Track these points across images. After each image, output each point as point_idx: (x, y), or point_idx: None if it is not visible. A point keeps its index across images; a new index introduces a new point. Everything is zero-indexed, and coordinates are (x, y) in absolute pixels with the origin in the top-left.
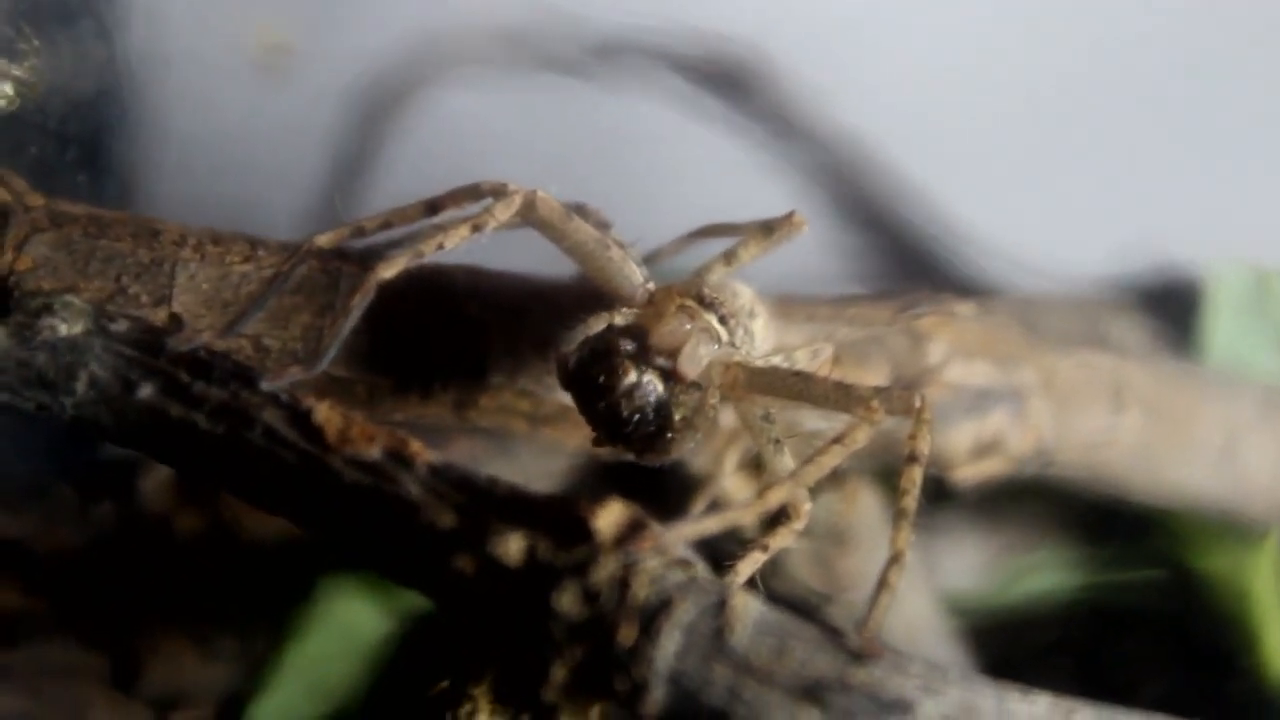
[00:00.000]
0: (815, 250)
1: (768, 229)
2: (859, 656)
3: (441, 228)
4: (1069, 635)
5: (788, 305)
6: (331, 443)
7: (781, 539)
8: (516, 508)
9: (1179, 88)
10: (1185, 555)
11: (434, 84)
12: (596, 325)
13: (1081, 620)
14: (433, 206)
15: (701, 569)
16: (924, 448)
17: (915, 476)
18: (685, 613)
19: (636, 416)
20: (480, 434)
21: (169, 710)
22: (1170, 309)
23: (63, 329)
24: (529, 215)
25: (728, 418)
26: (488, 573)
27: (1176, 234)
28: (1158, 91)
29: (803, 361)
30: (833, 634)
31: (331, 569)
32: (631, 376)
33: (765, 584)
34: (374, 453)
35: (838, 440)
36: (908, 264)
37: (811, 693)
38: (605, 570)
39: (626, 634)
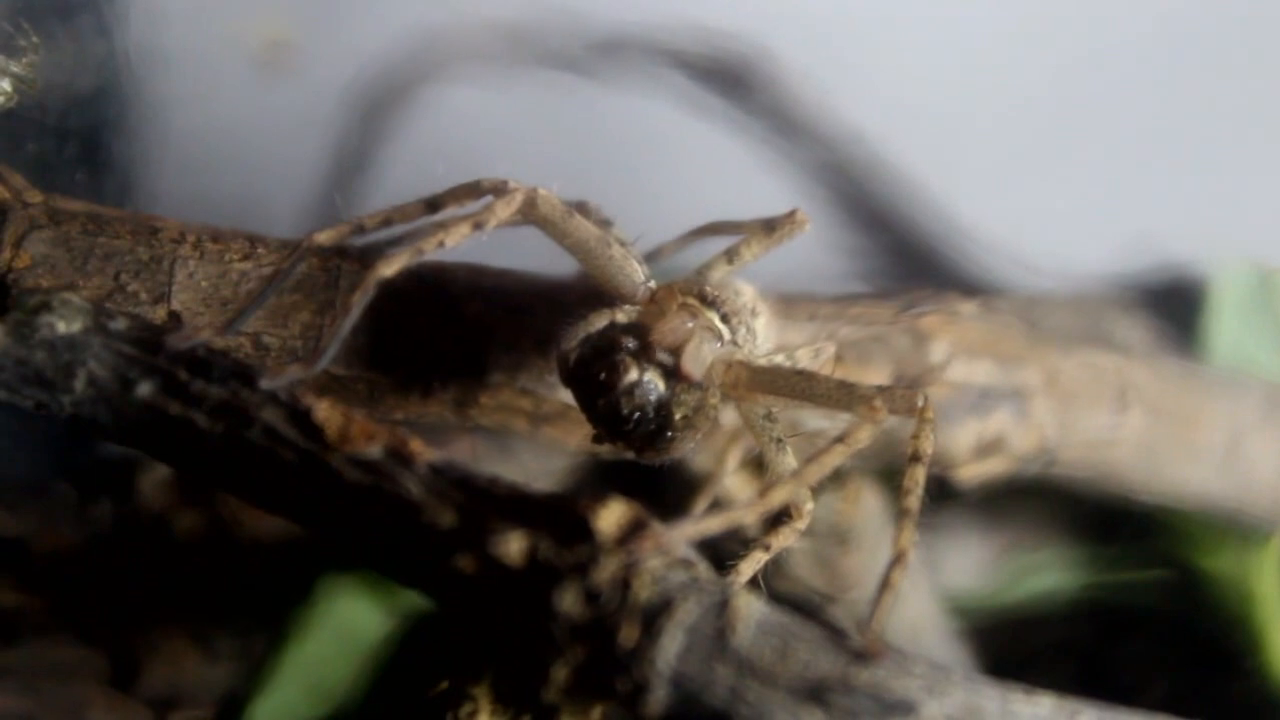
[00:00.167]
0: (817, 248)
1: (770, 227)
2: (862, 657)
3: (442, 225)
4: (1072, 635)
5: (790, 304)
6: (331, 441)
7: (784, 539)
8: (517, 507)
9: (1183, 85)
10: (1189, 555)
11: (435, 80)
12: (598, 323)
13: (1084, 620)
14: (433, 204)
15: (703, 569)
16: (927, 447)
17: (918, 476)
18: (687, 613)
19: (638, 415)
20: (481, 433)
21: (168, 710)
22: (1174, 307)
23: (61, 327)
24: (530, 213)
25: (729, 417)
26: (488, 572)
27: (1180, 232)
28: (1161, 88)
29: (805, 360)
30: (836, 634)
31: (331, 568)
32: (633, 374)
33: (767, 584)
34: (374, 451)
35: (840, 440)
36: (910, 262)
37: (814, 693)
38: (606, 570)
39: (628, 634)
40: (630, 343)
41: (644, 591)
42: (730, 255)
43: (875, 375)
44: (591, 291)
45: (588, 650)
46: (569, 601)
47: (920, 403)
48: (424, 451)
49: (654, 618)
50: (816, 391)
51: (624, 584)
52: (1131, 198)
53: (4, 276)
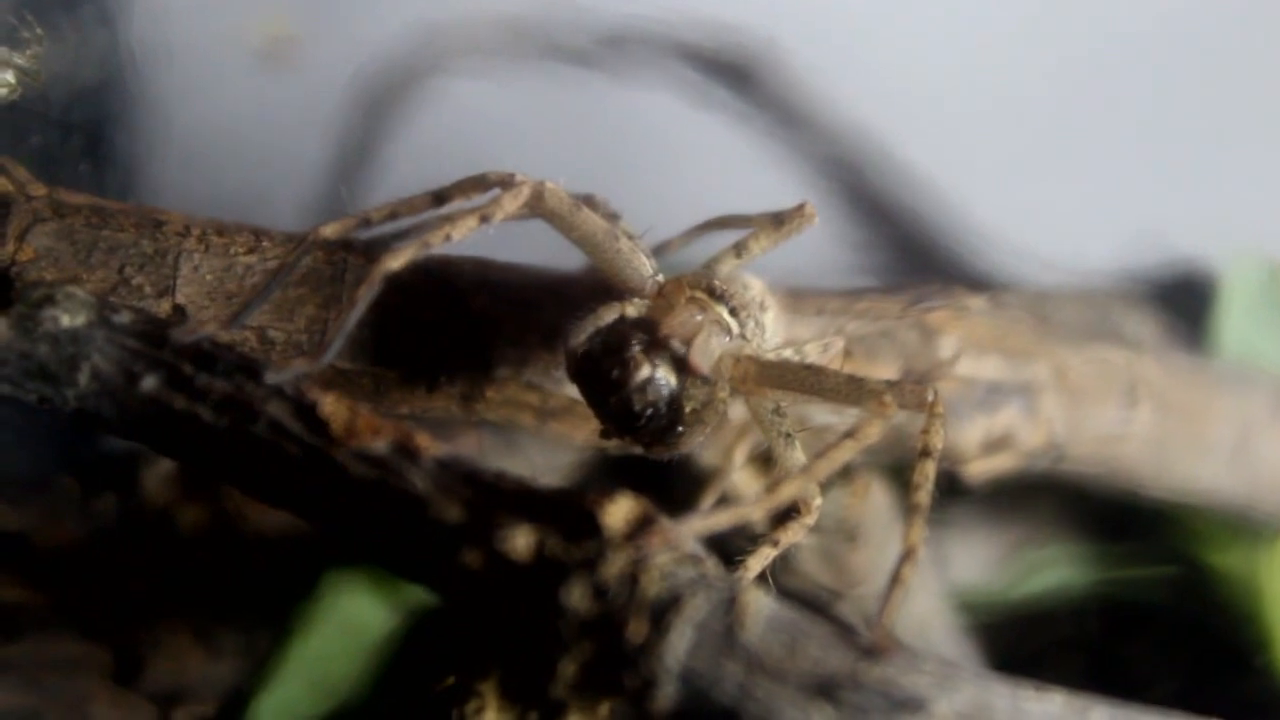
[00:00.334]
0: (825, 242)
1: (778, 220)
2: (872, 653)
3: (449, 219)
4: (1081, 632)
5: (798, 298)
6: (337, 436)
7: (792, 534)
8: (524, 502)
9: (1192, 80)
10: (1198, 552)
11: (440, 73)
12: (606, 317)
13: (1093, 617)
14: (440, 197)
15: (711, 565)
16: (937, 442)
17: (928, 471)
18: (696, 609)
19: (646, 410)
20: (487, 428)
21: (171, 705)
22: (1183, 302)
23: (65, 320)
24: (537, 206)
25: (736, 412)
26: (495, 567)
27: (1190, 226)
28: (1171, 83)
29: (813, 355)
30: (845, 631)
31: (336, 563)
32: (642, 369)
33: (775, 580)
34: (380, 446)
35: (849, 435)
36: (918, 257)
37: (824, 690)
38: (614, 566)
39: (636, 630)
40: (638, 337)
41: (652, 587)
42: (739, 249)
43: (883, 370)
44: (599, 285)
45: (595, 646)
46: (576, 597)
47: (930, 398)
48: (430, 446)
49: (662, 614)
50: (825, 386)
51: (632, 580)
52: (1141, 192)
53: (7, 269)
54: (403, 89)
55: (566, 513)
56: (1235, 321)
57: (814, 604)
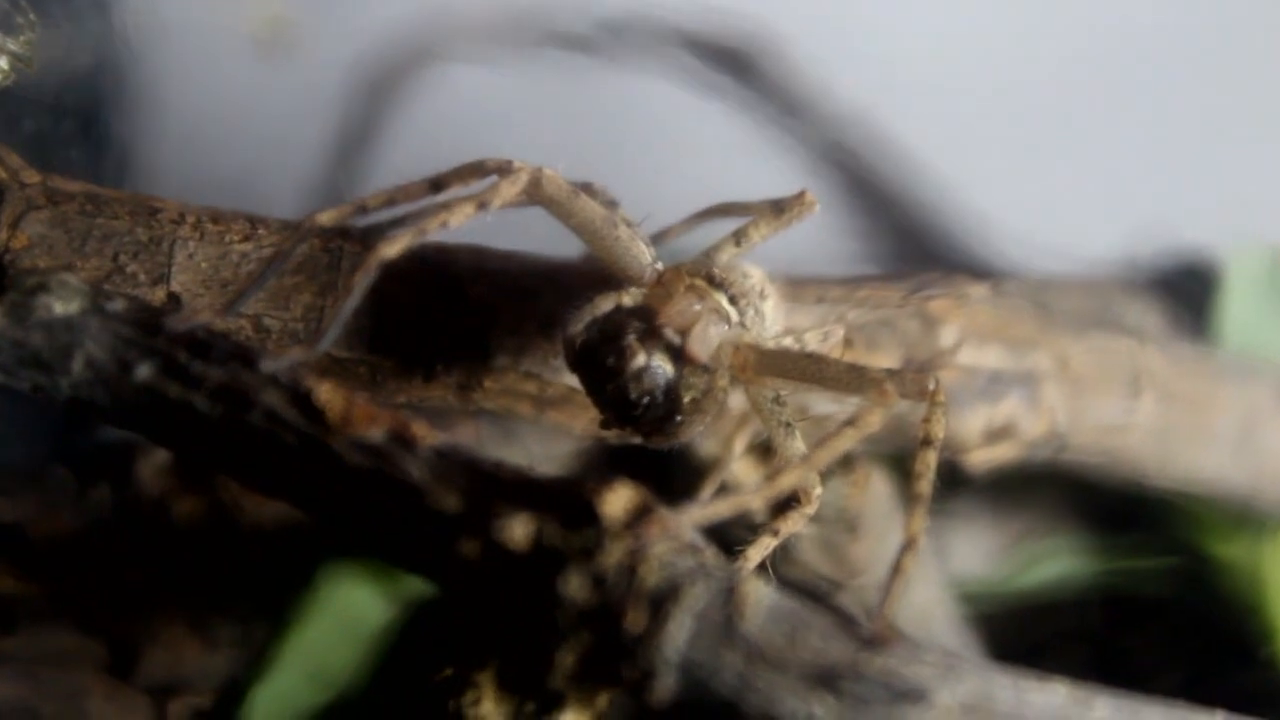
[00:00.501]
0: (825, 230)
1: (778, 208)
2: (873, 644)
3: (446, 206)
4: (1083, 623)
5: (798, 286)
6: (333, 425)
7: (792, 524)
8: (522, 491)
9: (1196, 68)
10: (1201, 543)
11: (438, 59)
12: (604, 306)
13: (1095, 608)
14: (437, 184)
15: (711, 555)
16: (938, 431)
17: (930, 461)
18: (695, 599)
19: (645, 399)
20: (484, 417)
21: (167, 697)
22: (1186, 292)
23: (59, 308)
24: (535, 193)
25: (735, 401)
26: (493, 557)
27: (1192, 216)
28: (1174, 71)
29: (813, 344)
30: (846, 621)
31: (333, 554)
32: (640, 358)
33: (775, 569)
34: (377, 435)
35: (850, 424)
36: (919, 245)
37: (825, 680)
38: (613, 555)
39: (635, 620)
40: (637, 326)
41: (651, 577)
42: (738, 237)
43: (884, 359)
44: (597, 273)
45: (594, 636)
46: (575, 587)
47: (931, 386)
48: (427, 435)
49: (661, 603)
50: (826, 375)
51: (630, 569)
52: (1144, 180)
53: (1, 257)
54: (400, 74)
55: (564, 502)
56: (1238, 311)
57: (814, 594)
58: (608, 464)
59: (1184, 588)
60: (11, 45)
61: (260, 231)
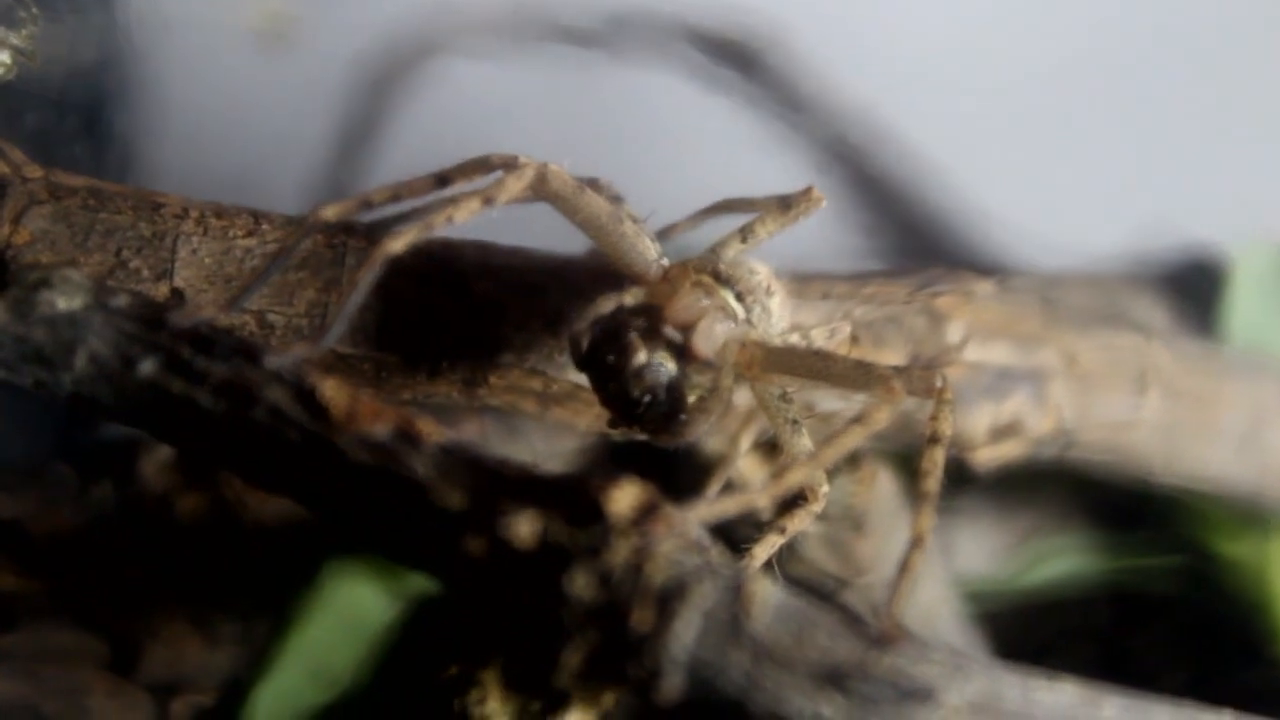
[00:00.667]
0: (831, 226)
1: (785, 204)
2: (881, 642)
3: (451, 201)
4: (1089, 621)
5: (804, 283)
6: (337, 421)
7: (799, 521)
8: (528, 488)
9: (1203, 63)
10: (1208, 541)
11: (443, 54)
12: (609, 304)
13: (1102, 606)
14: (442, 179)
15: (716, 553)
16: (946, 429)
17: (937, 458)
18: (703, 597)
19: (648, 396)
20: (490, 413)
21: (169, 695)
22: (1193, 288)
23: (61, 303)
24: (541, 188)
25: (741, 398)
26: (498, 555)
27: (1199, 212)
28: (1182, 67)
29: (819, 341)
30: (853, 620)
31: (336, 551)
32: (641, 355)
33: (781, 567)
34: (381, 432)
35: (858, 421)
36: (926, 241)
37: (833, 679)
38: (619, 553)
39: (641, 618)
40: (642, 323)
41: (658, 575)
42: (744, 233)
43: (891, 356)
44: (603, 270)
45: (600, 635)
46: (580, 585)
47: (939, 384)
48: (432, 432)
49: (668, 602)
50: (833, 372)
51: (637, 567)
52: (1150, 176)
53: (3, 252)
54: (405, 69)
55: (570, 499)
56: (1245, 307)
57: (820, 592)
58: (613, 461)
59: (1190, 586)
60: (14, 39)
61: (264, 227)
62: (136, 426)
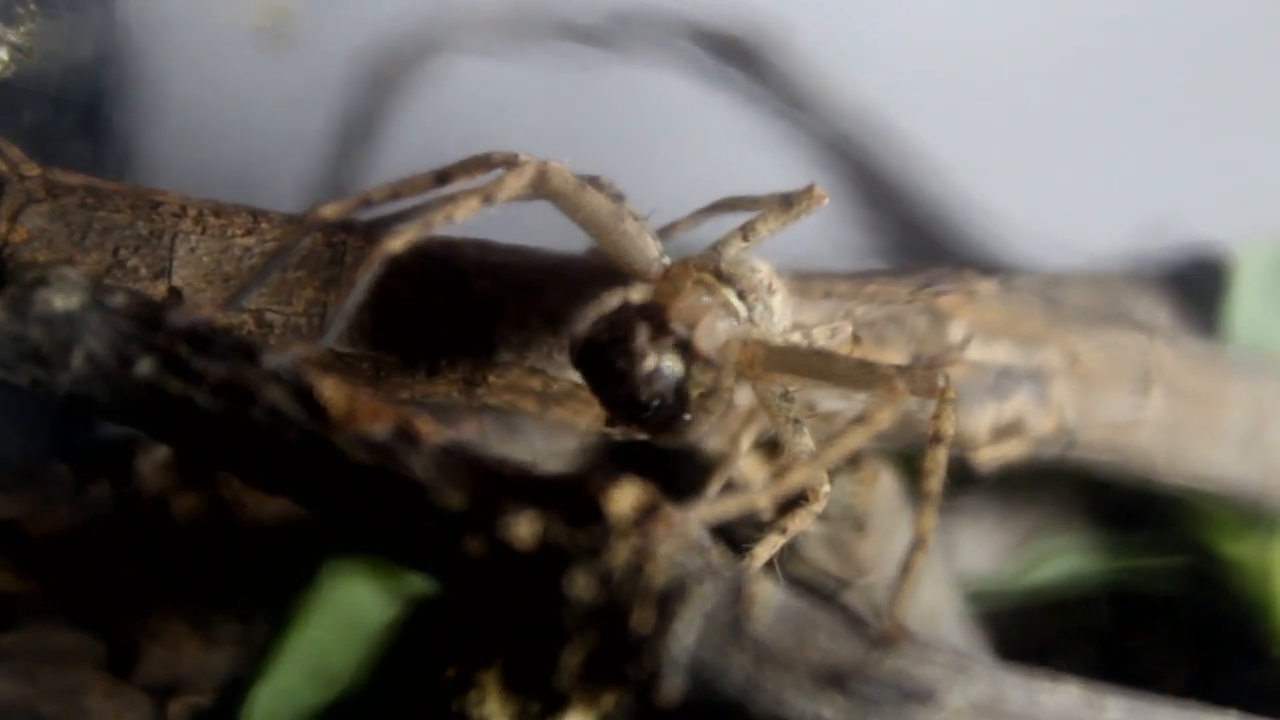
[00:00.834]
0: (833, 225)
1: (787, 202)
2: (883, 644)
3: (451, 199)
4: (1091, 621)
5: (805, 281)
6: (336, 421)
7: (800, 521)
8: (527, 488)
9: (1206, 61)
10: (1210, 541)
11: (444, 51)
12: (610, 303)
13: (1104, 606)
14: (442, 177)
15: (718, 553)
16: (948, 428)
17: (939, 458)
18: (703, 599)
19: (652, 397)
20: (489, 413)
21: (167, 696)
22: (1196, 287)
23: (58, 302)
24: (541, 186)
25: (741, 397)
26: (497, 555)
27: (1202, 210)
28: (1184, 65)
29: (821, 340)
30: (855, 621)
31: (335, 551)
32: (650, 360)
33: (782, 567)
34: (380, 432)
35: (860, 420)
36: (928, 240)
37: (834, 681)
38: (620, 554)
39: (642, 619)
40: (643, 322)
41: (659, 576)
42: (746, 231)
43: (893, 356)
44: (603, 268)
45: (600, 636)
46: (580, 586)
47: (941, 383)
48: (431, 432)
49: (669, 603)
50: (835, 371)
51: (637, 568)
52: (1153, 174)
53: (0, 251)
54: (405, 66)
55: (570, 499)
56: (1248, 306)
57: (821, 592)
58: (613, 460)
59: (1193, 586)
60: (12, 36)
61: (263, 225)
62: (134, 426)
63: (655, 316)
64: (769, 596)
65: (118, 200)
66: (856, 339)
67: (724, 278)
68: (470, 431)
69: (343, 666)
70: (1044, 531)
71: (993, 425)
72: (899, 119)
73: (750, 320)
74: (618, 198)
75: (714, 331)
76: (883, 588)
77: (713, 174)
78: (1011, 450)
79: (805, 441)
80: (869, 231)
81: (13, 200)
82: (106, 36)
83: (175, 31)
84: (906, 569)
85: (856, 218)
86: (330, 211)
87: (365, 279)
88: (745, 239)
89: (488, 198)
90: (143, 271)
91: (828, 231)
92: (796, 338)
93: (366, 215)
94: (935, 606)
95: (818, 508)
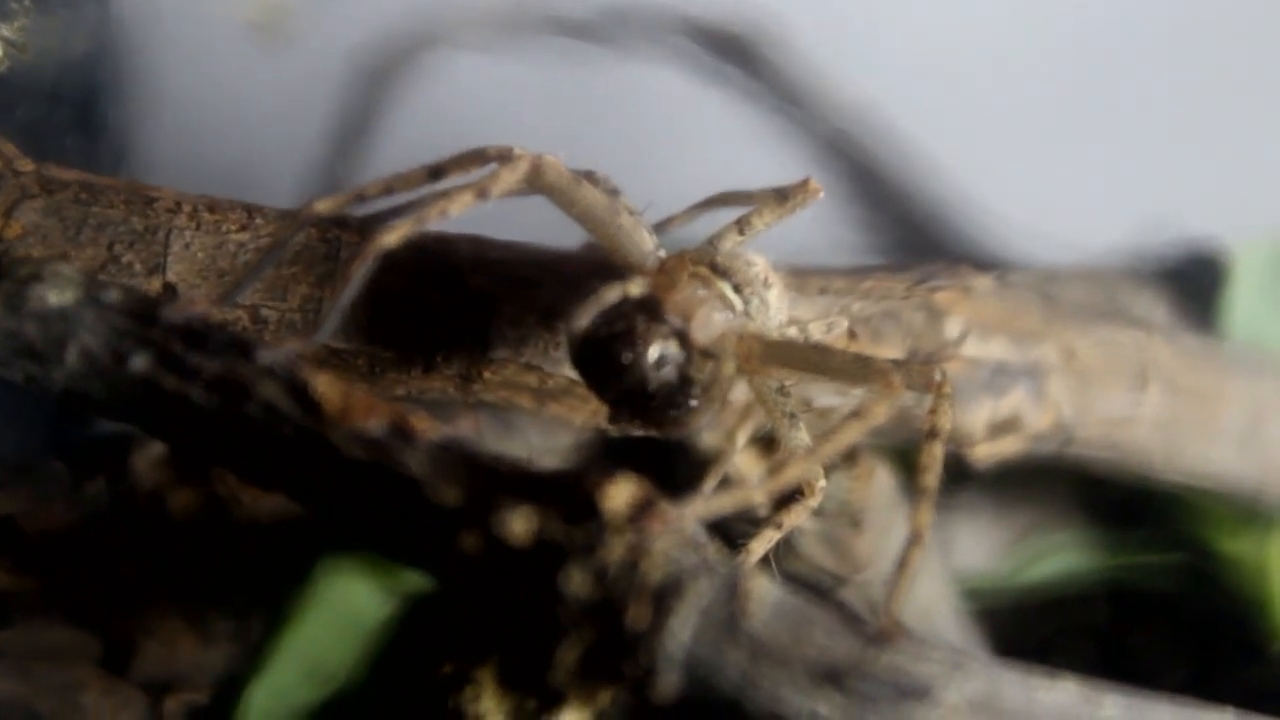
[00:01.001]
0: (829, 220)
1: (782, 196)
2: (879, 640)
3: (445, 194)
4: (1088, 618)
5: (801, 277)
6: (331, 417)
7: (795, 517)
8: (523, 485)
9: (1203, 57)
10: (1208, 538)
11: (438, 46)
12: (607, 298)
13: (1101, 603)
14: (436, 172)
15: (713, 549)
16: (945, 423)
17: (936, 453)
18: (699, 595)
19: (649, 389)
20: (484, 409)
21: (163, 693)
22: (1193, 283)
23: (53, 298)
24: (536, 181)
25: (737, 393)
26: (493, 552)
27: (1200, 206)
28: (1182, 61)
29: (817, 335)
30: (851, 617)
31: (331, 548)
32: (655, 348)
33: (778, 563)
34: (375, 428)
35: (856, 415)
36: (925, 235)
37: (830, 678)
38: (615, 550)
39: (638, 616)
40: (640, 316)
41: (654, 572)
42: (741, 225)
43: (889, 351)
44: (599, 263)
45: (595, 633)
46: (576, 582)
47: (938, 378)
48: (427, 428)
49: (664, 599)
50: (831, 365)
51: (633, 565)
52: (1151, 170)
53: None
54: (401, 62)
55: (566, 496)
56: (1246, 303)
57: (817, 589)
58: (608, 456)
59: (1191, 583)
60: (6, 31)
61: (257, 221)
62: (129, 422)
63: (652, 309)
64: (765, 593)
65: (112, 196)
66: (852, 334)
67: (720, 271)
68: (466, 428)
69: (339, 663)
70: (1041, 528)
71: (989, 421)
72: (896, 116)
73: (746, 314)
74: (613, 192)
75: (710, 324)
76: (879, 584)
77: (709, 170)
78: (1008, 446)
79: (801, 437)
80: (866, 227)
81: (7, 196)
82: (101, 32)
83: (170, 27)
84: (903, 565)
85: (853, 214)
86: (325, 207)
87: (360, 274)
88: (741, 233)
89: (482, 193)
90: (137, 267)
91: (825, 227)
92: (793, 332)
93: (361, 211)
94: (932, 603)
95: (814, 503)
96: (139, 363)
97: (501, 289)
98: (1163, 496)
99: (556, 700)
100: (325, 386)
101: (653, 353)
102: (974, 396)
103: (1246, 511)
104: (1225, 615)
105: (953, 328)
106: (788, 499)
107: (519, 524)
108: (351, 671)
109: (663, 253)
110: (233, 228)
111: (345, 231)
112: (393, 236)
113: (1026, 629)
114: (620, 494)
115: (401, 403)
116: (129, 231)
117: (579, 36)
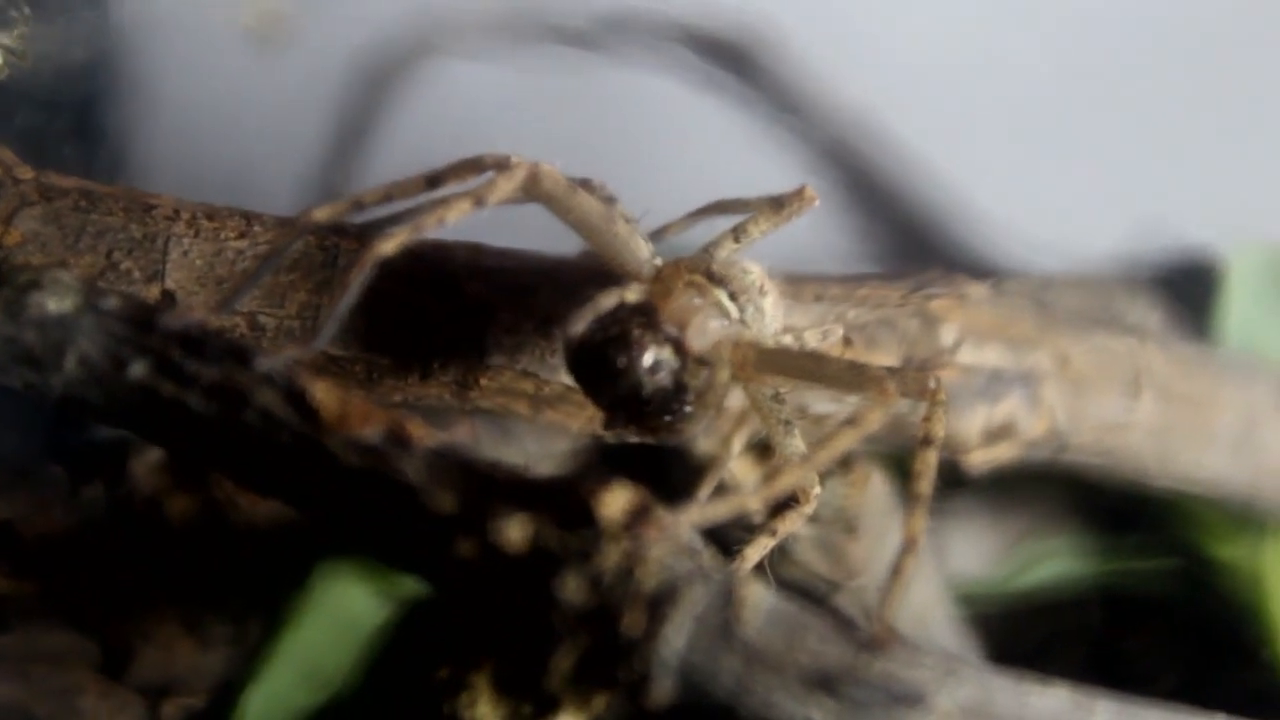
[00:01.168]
0: (825, 228)
1: (778, 204)
2: (872, 646)
3: (442, 202)
4: (1082, 624)
5: (797, 284)
6: (328, 424)
7: (791, 523)
8: (519, 492)
9: (1197, 64)
10: (1201, 544)
11: (436, 54)
12: (603, 305)
13: (1095, 609)
14: (433, 180)
15: (708, 556)
16: (939, 430)
17: (930, 460)
18: (694, 602)
19: (644, 395)
20: (481, 416)
21: (161, 697)
22: (1187, 290)
23: (52, 305)
24: (532, 189)
25: (732, 400)
26: (489, 558)
27: (1194, 213)
28: (1176, 68)
29: (812, 343)
30: (845, 624)
31: (328, 553)
32: (638, 354)
33: (773, 570)
34: (372, 434)
35: (851, 422)
36: (920, 243)
37: (824, 684)
38: (610, 557)
39: (633, 622)
40: (636, 323)
41: (649, 579)
42: (737, 233)
43: (884, 358)
44: (595, 270)
45: (591, 639)
46: (571, 589)
47: (932, 385)
48: (423, 435)
49: (659, 606)
50: (826, 373)
51: (628, 571)
52: (1145, 177)
53: None
54: (397, 69)
55: (562, 503)
56: (1240, 310)
57: (812, 595)
58: (604, 463)
59: (1184, 589)
60: (5, 39)
61: (255, 228)
62: (127, 428)
63: (646, 316)
64: (759, 599)
65: (111, 203)
66: (848, 342)
67: (715, 279)
68: (462, 434)
69: (335, 668)
70: (1035, 534)
71: (984, 428)
72: (891, 124)
73: (742, 321)
74: (609, 200)
75: (705, 332)
76: (873, 590)
77: (705, 177)
78: (1002, 453)
79: (796, 444)
80: (861, 235)
81: (6, 203)
82: (100, 39)
83: (168, 34)
84: (897, 571)
85: (849, 221)
86: (322, 214)
87: (357, 282)
88: (736, 241)
89: (479, 200)
90: (136, 274)
91: (820, 235)
92: (788, 340)
93: (359, 218)
94: (926, 609)
95: (809, 510)
96: (137, 369)
97: (498, 296)
98: (1156, 502)
99: (552, 706)
100: (323, 393)
101: (648, 359)
102: (969, 403)
103: (1240, 517)
104: (1219, 621)
105: (948, 335)
106: (783, 505)
107: (515, 531)
108: (348, 676)
109: (659, 260)
110: (231, 235)
111: (343, 239)
112: (390, 244)
113: (1021, 634)
114: (616, 501)
115: (398, 409)
116: (128, 239)
117: (576, 44)
